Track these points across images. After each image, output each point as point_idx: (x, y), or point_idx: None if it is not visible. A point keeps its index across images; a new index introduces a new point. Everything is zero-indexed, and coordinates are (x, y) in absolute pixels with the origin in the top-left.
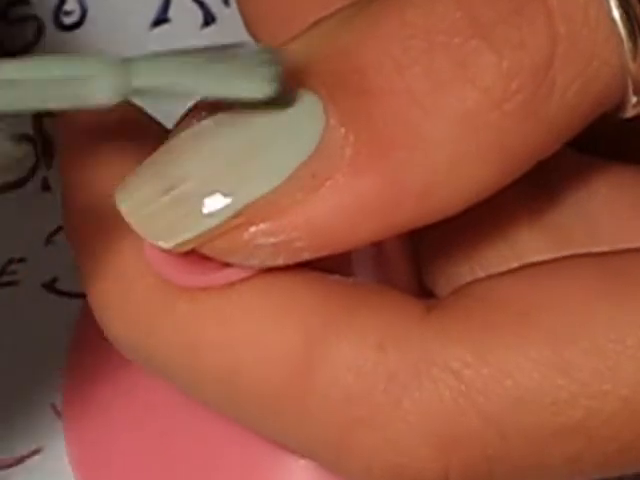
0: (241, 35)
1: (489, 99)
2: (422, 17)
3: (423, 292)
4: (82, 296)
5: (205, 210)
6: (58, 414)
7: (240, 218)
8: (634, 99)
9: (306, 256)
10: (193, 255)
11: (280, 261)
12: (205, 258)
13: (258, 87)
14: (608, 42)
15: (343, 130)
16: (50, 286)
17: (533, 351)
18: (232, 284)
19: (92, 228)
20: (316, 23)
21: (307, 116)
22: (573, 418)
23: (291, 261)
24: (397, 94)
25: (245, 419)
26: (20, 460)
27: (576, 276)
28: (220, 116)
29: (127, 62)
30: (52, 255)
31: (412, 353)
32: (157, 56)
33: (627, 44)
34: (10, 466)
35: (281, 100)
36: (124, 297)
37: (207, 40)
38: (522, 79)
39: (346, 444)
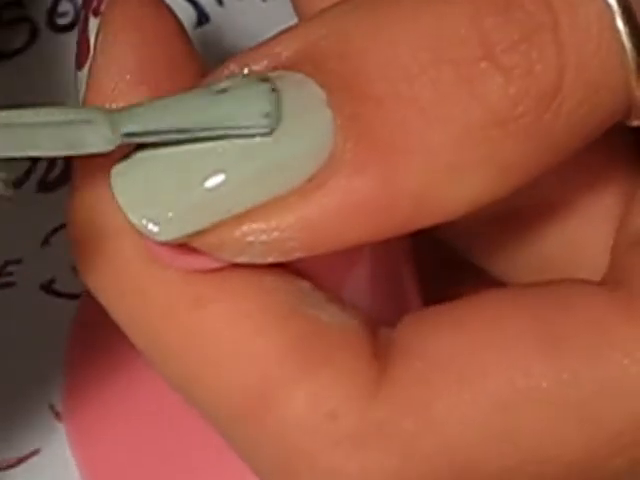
0: (235, 35)
1: (493, 118)
2: (434, 29)
3: (426, 303)
4: (79, 296)
5: (202, 208)
6: (57, 415)
7: (233, 215)
8: (636, 122)
9: (297, 255)
10: None
11: (270, 259)
12: None
13: (256, 122)
14: (616, 72)
15: (343, 135)
16: (47, 287)
17: (480, 418)
18: (203, 302)
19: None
20: (319, 16)
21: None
22: None
23: (282, 259)
24: (402, 101)
25: (204, 418)
26: (19, 461)
27: (517, 333)
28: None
29: (119, 108)
30: (49, 256)
31: (363, 423)
32: (149, 102)
33: (634, 74)
34: (9, 467)
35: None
36: (107, 253)
37: (201, 39)
38: (528, 104)
39: None
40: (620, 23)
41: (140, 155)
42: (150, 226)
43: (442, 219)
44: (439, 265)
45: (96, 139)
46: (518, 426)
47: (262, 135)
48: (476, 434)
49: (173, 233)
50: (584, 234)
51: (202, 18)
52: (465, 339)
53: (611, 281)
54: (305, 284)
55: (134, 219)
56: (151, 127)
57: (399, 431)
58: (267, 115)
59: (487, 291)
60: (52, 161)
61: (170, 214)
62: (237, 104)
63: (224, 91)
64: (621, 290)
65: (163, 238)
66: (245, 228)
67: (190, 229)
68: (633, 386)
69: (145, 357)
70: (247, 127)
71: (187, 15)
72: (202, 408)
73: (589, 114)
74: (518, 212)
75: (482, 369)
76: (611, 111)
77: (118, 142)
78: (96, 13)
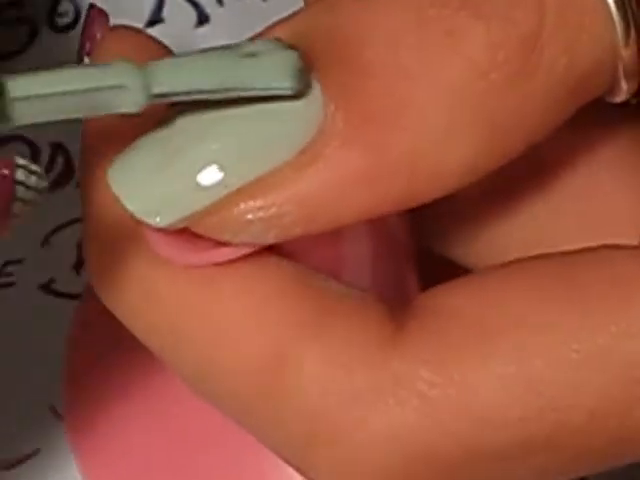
0: (235, 35)
1: (476, 70)
2: None
3: (424, 288)
4: (79, 296)
5: (200, 188)
6: (57, 415)
7: (231, 195)
8: (625, 86)
9: (298, 231)
10: (189, 234)
11: (272, 237)
12: (200, 236)
13: (283, 83)
14: (598, 18)
15: (333, 106)
16: (47, 287)
17: (498, 368)
18: (212, 280)
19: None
20: (308, 5)
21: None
22: (540, 433)
23: (283, 237)
24: (387, 67)
25: (221, 407)
26: (19, 461)
27: (535, 286)
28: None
29: (147, 67)
30: (49, 256)
31: (380, 375)
32: (177, 59)
33: (619, 29)
34: (10, 467)
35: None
36: (115, 261)
37: (201, 40)
38: (509, 50)
39: (309, 456)
40: None
41: (132, 145)
42: (149, 213)
43: (440, 187)
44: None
45: (126, 102)
46: (536, 373)
47: (288, 96)
48: (493, 381)
49: (172, 217)
50: (571, 205)
51: (202, 18)
52: (481, 294)
53: None
54: (308, 268)
55: (131, 207)
56: (181, 88)
57: (416, 382)
58: (295, 78)
59: (507, 262)
60: (52, 161)
61: (167, 197)
62: (266, 66)
63: (252, 55)
64: None
65: (163, 223)
66: (243, 206)
67: (188, 210)
68: None
69: (158, 355)
70: (276, 88)
71: (187, 15)
72: (219, 391)
73: (572, 63)
74: (506, 190)
75: (498, 319)
76: (596, 66)
77: (147, 102)
78: (90, 54)
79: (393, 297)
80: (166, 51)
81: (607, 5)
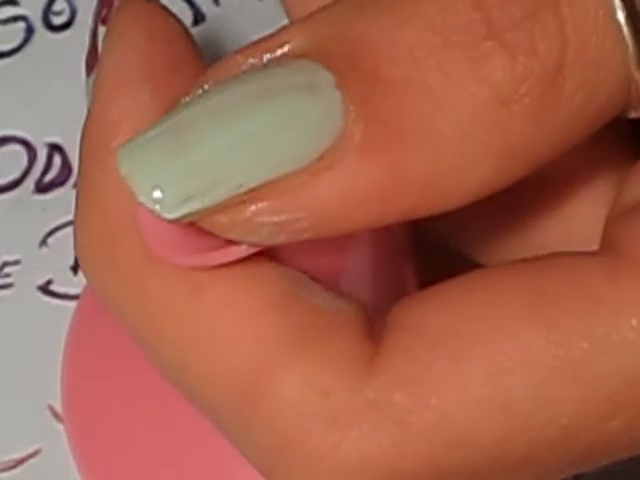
0: (231, 34)
1: (498, 98)
2: (438, 13)
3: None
4: (78, 297)
5: (212, 184)
6: (56, 415)
7: (245, 194)
8: (637, 104)
9: (306, 236)
10: (186, 232)
11: (280, 240)
12: (197, 237)
13: None
14: (615, 51)
15: (354, 115)
16: (45, 288)
17: (471, 388)
18: (200, 290)
19: (97, 176)
20: (327, 5)
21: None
22: (516, 452)
23: (291, 240)
24: (411, 84)
25: (198, 407)
26: (19, 462)
27: (505, 301)
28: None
29: None
30: (47, 257)
31: (355, 401)
32: None
33: (633, 52)
34: (9, 468)
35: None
36: (106, 251)
37: (197, 39)
38: (531, 83)
39: (281, 475)
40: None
41: (145, 135)
42: (159, 203)
43: (448, 206)
44: (437, 255)
45: None
46: (510, 392)
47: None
48: (468, 404)
49: (183, 209)
50: (580, 222)
51: (198, 17)
52: (453, 312)
53: (601, 250)
54: (301, 275)
55: (142, 196)
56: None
57: (391, 407)
58: None
59: (476, 270)
60: (49, 162)
61: (181, 190)
62: None
63: None
64: (606, 254)
65: (174, 215)
66: (255, 208)
67: (200, 205)
68: (622, 343)
69: (142, 349)
70: None
71: (183, 14)
72: (197, 396)
73: (589, 97)
74: (514, 202)
75: (470, 338)
76: (612, 96)
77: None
78: (105, 22)
79: (392, 299)
80: (180, 25)
81: (621, 31)
